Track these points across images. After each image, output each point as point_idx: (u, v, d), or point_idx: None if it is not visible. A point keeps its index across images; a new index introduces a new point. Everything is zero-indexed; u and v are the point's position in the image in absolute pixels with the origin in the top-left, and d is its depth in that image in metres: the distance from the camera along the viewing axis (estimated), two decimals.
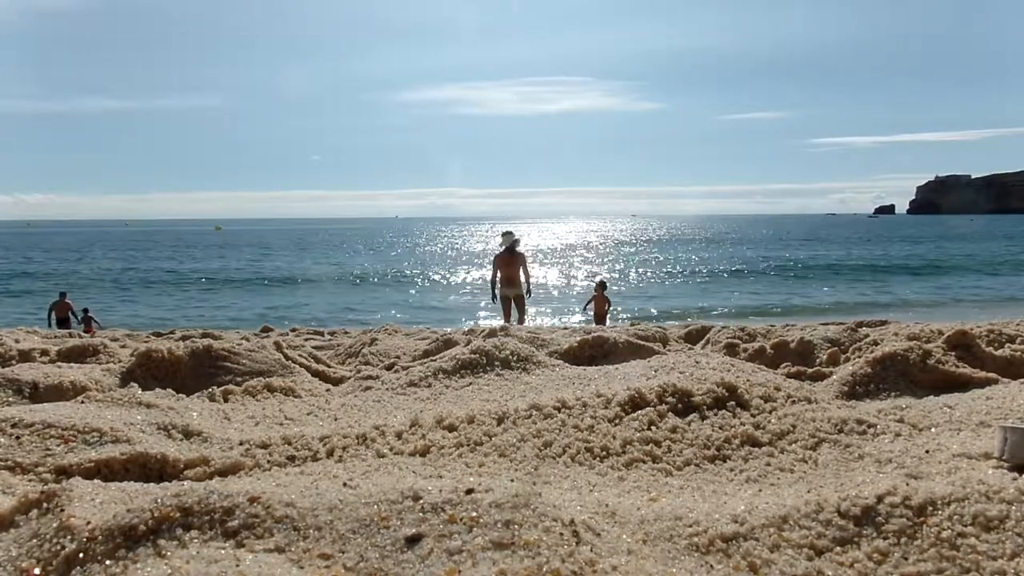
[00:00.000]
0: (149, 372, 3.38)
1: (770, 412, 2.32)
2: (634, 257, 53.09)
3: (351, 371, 4.00)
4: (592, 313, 14.74)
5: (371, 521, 1.31)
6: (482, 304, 23.70)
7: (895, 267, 39.70)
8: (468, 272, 40.42)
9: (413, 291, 34.09)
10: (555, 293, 31.06)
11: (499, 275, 12.10)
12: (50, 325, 15.24)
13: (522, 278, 12.05)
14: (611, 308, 15.28)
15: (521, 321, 11.81)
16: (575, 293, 29.47)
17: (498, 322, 10.81)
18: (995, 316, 5.47)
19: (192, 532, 1.28)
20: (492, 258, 12.56)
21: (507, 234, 12.39)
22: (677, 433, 2.18)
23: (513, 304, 12.10)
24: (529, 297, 12.43)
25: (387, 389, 3.17)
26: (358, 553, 1.25)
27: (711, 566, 1.29)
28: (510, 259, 12.07)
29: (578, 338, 4.11)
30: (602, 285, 15.22)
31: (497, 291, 12.15)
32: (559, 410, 2.33)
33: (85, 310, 17.40)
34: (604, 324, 14.08)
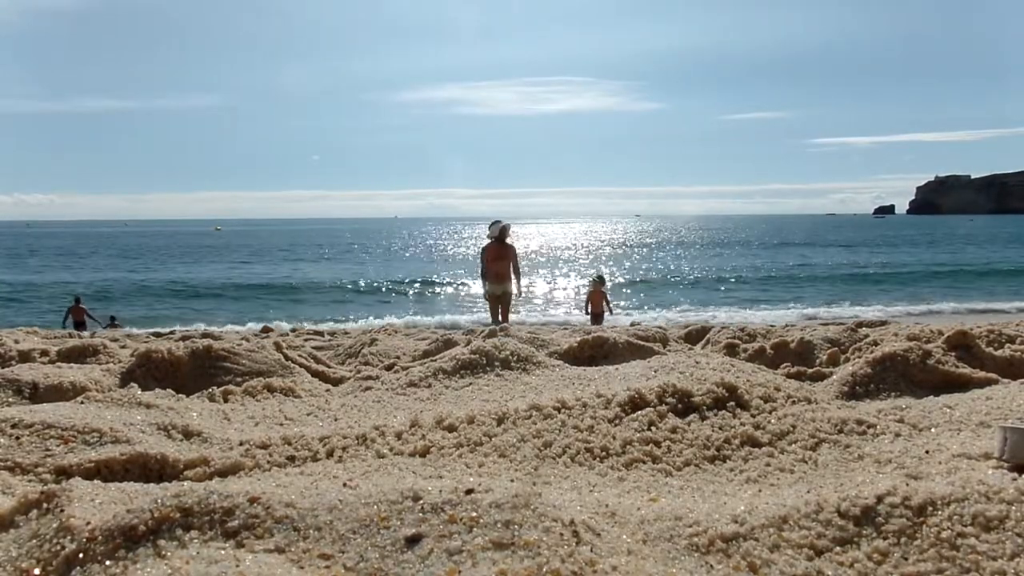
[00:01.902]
0: (149, 372, 3.38)
1: (770, 412, 2.32)
2: (658, 258, 52.56)
3: (351, 371, 4.00)
4: (591, 310, 14.27)
5: (371, 521, 1.31)
6: (480, 303, 23.69)
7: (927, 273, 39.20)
8: (470, 279, 40.37)
9: (412, 292, 34.06)
10: (571, 293, 31.02)
11: (488, 269, 10.94)
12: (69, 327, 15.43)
13: (512, 275, 10.86)
14: (610, 304, 14.67)
15: (504, 321, 10.74)
16: (578, 295, 29.47)
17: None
18: (994, 318, 5.47)
19: (192, 532, 1.28)
20: (480, 251, 11.42)
21: (496, 223, 11.15)
22: (677, 433, 2.18)
23: (500, 304, 10.95)
24: (519, 297, 11.34)
25: (387, 389, 3.16)
26: (358, 553, 1.25)
27: (711, 566, 1.29)
28: (500, 251, 10.90)
29: (578, 338, 4.10)
30: (600, 280, 14.76)
31: (486, 287, 11.01)
32: (559, 410, 2.33)
33: (112, 317, 17.76)
34: (602, 321, 13.73)
